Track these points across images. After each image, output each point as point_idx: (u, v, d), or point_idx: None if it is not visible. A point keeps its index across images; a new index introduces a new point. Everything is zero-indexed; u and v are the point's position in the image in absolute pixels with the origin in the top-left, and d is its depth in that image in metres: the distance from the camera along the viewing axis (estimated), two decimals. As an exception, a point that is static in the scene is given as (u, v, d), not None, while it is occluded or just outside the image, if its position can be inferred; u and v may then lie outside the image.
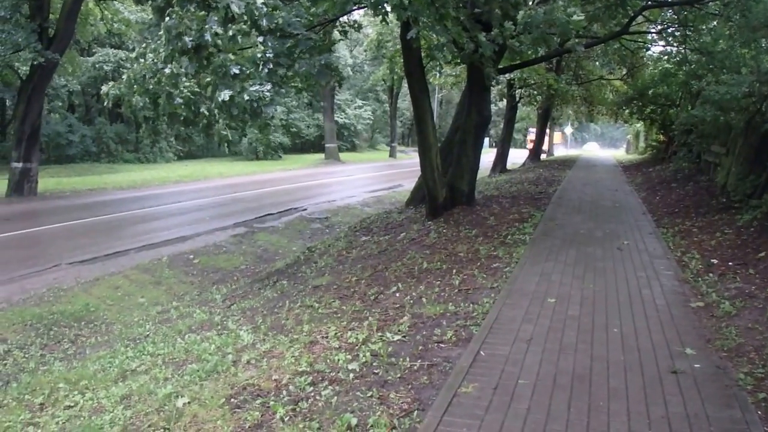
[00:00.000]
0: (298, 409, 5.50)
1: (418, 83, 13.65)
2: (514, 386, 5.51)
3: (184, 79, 9.97)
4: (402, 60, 15.49)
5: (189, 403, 5.79)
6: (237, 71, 9.78)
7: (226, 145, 10.99)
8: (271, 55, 10.22)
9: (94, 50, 35.41)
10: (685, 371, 5.81)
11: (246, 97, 9.55)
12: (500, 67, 15.57)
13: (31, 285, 12.12)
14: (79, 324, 10.39)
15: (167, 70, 9.86)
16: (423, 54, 14.76)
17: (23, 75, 27.16)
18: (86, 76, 36.85)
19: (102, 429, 5.57)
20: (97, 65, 34.08)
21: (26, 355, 9.25)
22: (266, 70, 10.09)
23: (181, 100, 10.14)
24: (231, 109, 10.05)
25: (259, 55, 10.07)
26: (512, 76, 24.74)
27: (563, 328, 7.02)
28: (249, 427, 5.33)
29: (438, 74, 32.79)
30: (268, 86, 9.95)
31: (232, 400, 5.82)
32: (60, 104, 41.82)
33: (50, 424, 5.96)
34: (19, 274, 13.02)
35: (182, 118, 10.54)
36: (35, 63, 23.63)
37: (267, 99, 10.25)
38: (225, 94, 9.39)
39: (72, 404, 6.41)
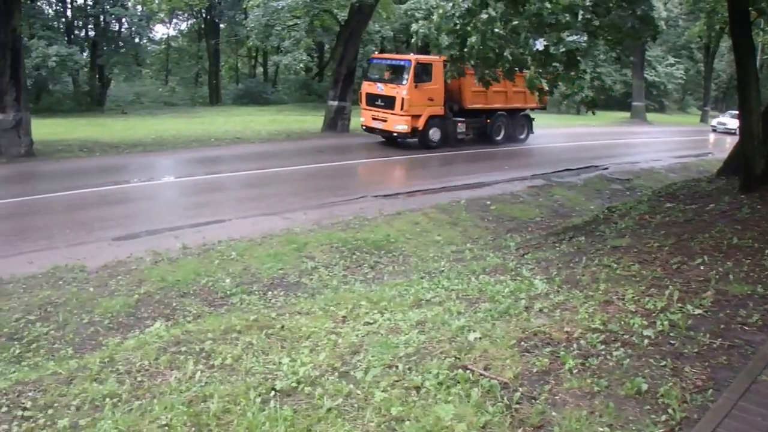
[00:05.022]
0: (587, 365, 5.42)
1: (743, 40, 12.37)
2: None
3: (497, 23, 9.98)
4: (724, 14, 14.10)
5: (480, 338, 5.92)
6: (552, 21, 9.59)
7: (536, 95, 10.87)
8: (589, 3, 9.86)
9: (407, -2, 36.92)
10: None
11: (562, 48, 9.34)
12: None
13: (339, 212, 13.09)
14: (379, 252, 11.01)
15: (483, 15, 9.93)
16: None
17: (341, 20, 28.94)
18: (398, 23, 38.44)
19: (397, 348, 5.89)
20: (408, 12, 35.34)
21: (330, 273, 10.02)
22: (584, 20, 9.75)
23: (492, 44, 10.19)
24: (546, 59, 9.91)
25: (579, 3, 9.75)
26: None
27: None
28: (536, 371, 5.34)
29: (761, 32, 29.44)
30: (585, 37, 9.64)
31: (522, 343, 5.86)
32: (374, 48, 44.13)
33: (350, 335, 6.42)
34: (330, 201, 14.16)
35: (487, 61, 10.61)
36: (354, 6, 25.36)
37: (582, 50, 9.96)
38: (540, 43, 9.23)
39: (371, 321, 6.86)
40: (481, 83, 11.78)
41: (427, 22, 11.36)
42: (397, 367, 5.47)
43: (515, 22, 10.08)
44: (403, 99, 21.91)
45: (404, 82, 22.04)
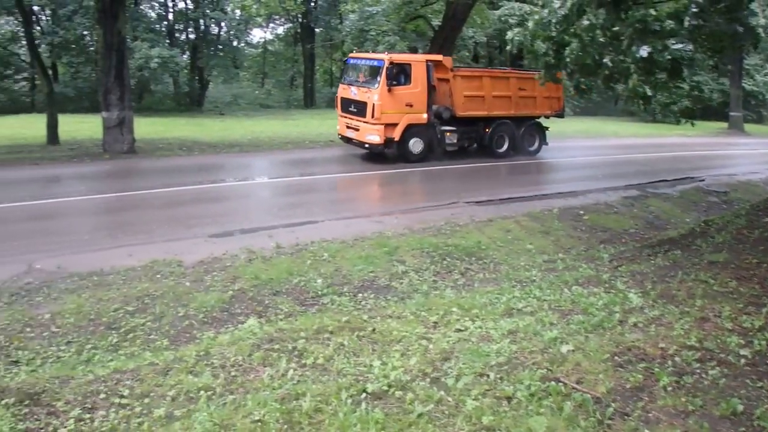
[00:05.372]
0: (681, 383, 5.31)
1: None
2: None
3: (598, 30, 9.82)
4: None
5: (573, 351, 5.87)
6: (657, 28, 9.37)
7: (640, 103, 10.63)
8: (695, 10, 9.57)
9: (500, 3, 36.53)
10: None
11: (667, 56, 9.11)
12: None
13: (430, 217, 13.13)
14: (470, 259, 10.99)
15: (585, 22, 9.78)
16: None
17: (435, 26, 28.98)
18: (492, 29, 38.25)
19: (488, 356, 5.90)
20: (502, 18, 35.10)
21: (420, 278, 10.06)
22: (690, 26, 9.47)
23: (592, 51, 10.03)
24: (650, 67, 9.69)
25: (684, 9, 9.47)
26: None
27: None
28: (630, 387, 5.27)
29: None
30: (690, 45, 9.37)
31: (616, 357, 5.78)
32: (467, 54, 43.95)
33: (441, 341, 6.45)
34: (421, 206, 14.27)
35: (585, 68, 10.44)
36: (449, 11, 25.26)
37: (687, 59, 9.69)
38: (644, 51, 9.02)
39: (462, 328, 6.88)
40: (575, 91, 11.57)
41: (522, 29, 11.26)
42: (488, 375, 5.47)
43: (616, 29, 9.90)
44: (374, 105, 18.83)
45: (376, 85, 18.95)
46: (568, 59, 10.42)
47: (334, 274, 9.81)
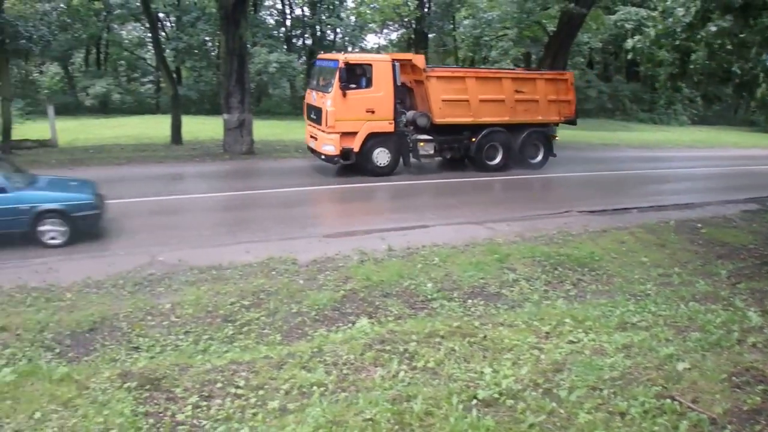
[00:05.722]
0: (803, 408, 5.14)
1: None
2: None
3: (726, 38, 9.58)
4: None
5: (689, 369, 5.77)
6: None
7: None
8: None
9: (616, 8, 35.66)
10: None
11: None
12: None
13: (542, 225, 13.04)
14: (582, 269, 10.82)
15: (712, 28, 9.53)
16: None
17: (550, 31, 28.60)
18: (607, 34, 37.48)
19: (602, 370, 5.87)
20: (618, 23, 34.30)
21: (531, 287, 9.98)
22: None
23: (720, 58, 9.79)
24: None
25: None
26: None
27: None
28: (747, 410, 5.17)
29: None
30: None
31: (733, 378, 5.65)
32: (582, 60, 43.23)
33: (553, 352, 6.47)
34: (534, 213, 14.20)
35: (713, 76, 10.18)
36: (564, 16, 24.82)
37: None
38: (773, 58, 8.74)
39: (575, 340, 6.86)
40: (703, 99, 11.18)
41: (642, 37, 11.03)
42: (601, 390, 5.47)
43: (743, 36, 9.61)
44: (327, 112, 17.03)
45: (330, 89, 17.10)
46: (693, 67, 10.19)
47: (444, 278, 9.87)
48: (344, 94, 16.75)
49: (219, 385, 5.84)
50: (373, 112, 17.12)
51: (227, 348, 7.44)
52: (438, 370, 6.12)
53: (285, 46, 41.63)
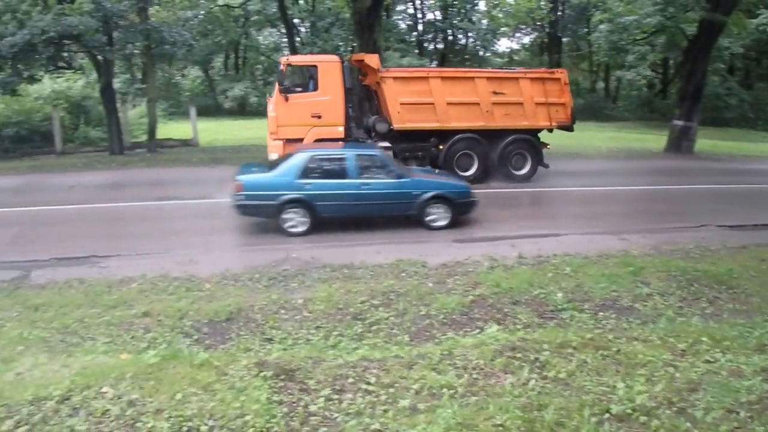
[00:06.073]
0: None
1: None
2: None
3: None
4: None
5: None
6: None
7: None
8: None
9: (758, 12, 33.71)
10: None
11: None
12: None
13: (679, 238, 12.65)
14: (719, 287, 10.40)
15: None
16: None
17: (689, 36, 27.54)
18: (749, 39, 35.70)
19: (738, 392, 5.74)
20: (760, 28, 32.52)
21: (665, 302, 9.70)
22: None
23: None
24: None
25: None
26: None
27: None
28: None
29: None
30: None
31: None
32: (722, 66, 41.36)
33: (689, 370, 6.35)
34: (670, 226, 13.84)
35: None
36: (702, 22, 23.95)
37: None
38: None
39: (712, 360, 6.70)
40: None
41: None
42: (737, 413, 5.36)
43: None
44: (269, 117, 16.35)
45: (273, 93, 16.37)
46: None
47: (576, 289, 9.79)
48: (286, 99, 16.02)
49: (350, 380, 6.08)
50: (319, 117, 16.12)
51: (357, 345, 7.70)
52: (569, 381, 6.13)
53: (417, 51, 42.11)
